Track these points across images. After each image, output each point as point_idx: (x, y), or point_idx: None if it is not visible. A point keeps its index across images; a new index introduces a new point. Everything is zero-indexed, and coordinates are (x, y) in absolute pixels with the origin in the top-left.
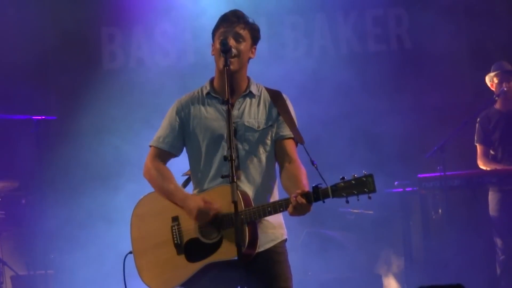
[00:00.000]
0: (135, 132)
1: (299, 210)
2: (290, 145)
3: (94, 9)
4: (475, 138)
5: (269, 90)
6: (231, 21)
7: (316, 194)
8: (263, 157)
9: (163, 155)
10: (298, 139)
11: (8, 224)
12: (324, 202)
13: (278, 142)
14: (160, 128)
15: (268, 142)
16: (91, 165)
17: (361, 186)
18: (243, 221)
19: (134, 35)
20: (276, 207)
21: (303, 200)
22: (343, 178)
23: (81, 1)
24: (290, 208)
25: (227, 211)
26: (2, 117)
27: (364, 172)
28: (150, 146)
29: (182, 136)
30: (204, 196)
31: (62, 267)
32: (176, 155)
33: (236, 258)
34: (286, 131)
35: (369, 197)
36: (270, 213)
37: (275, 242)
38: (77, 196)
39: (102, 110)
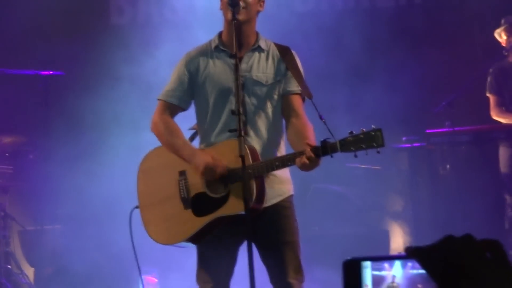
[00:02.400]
0: (144, 86)
1: (308, 165)
2: (297, 100)
3: None
4: (487, 89)
5: (278, 46)
6: None
7: (325, 148)
8: (270, 112)
9: (171, 109)
10: (306, 94)
11: (15, 179)
12: (332, 156)
13: (285, 97)
14: (169, 82)
15: (276, 97)
16: (99, 120)
17: (370, 140)
18: (250, 175)
19: None
20: (285, 161)
21: (312, 154)
22: (351, 132)
23: None
24: (298, 163)
25: (235, 165)
26: (10, 72)
27: (373, 126)
28: (158, 99)
29: (191, 89)
30: (212, 151)
31: (70, 222)
32: (184, 109)
33: (243, 212)
34: (294, 87)
35: (378, 151)
36: (278, 168)
37: (282, 197)
38: (83, 154)
39: (109, 66)
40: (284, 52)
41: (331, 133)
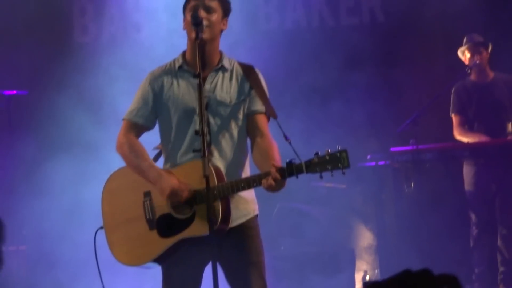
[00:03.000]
0: (107, 106)
1: (273, 186)
2: (261, 120)
3: None
4: (451, 108)
5: (241, 65)
6: None
7: (290, 170)
8: (235, 132)
9: (136, 128)
10: (271, 114)
11: None
12: (297, 177)
13: (250, 117)
14: (133, 101)
15: (240, 116)
16: (61, 140)
17: (335, 161)
18: (216, 196)
19: (106, 9)
20: (250, 183)
21: (278, 176)
22: (317, 153)
23: None
24: (264, 184)
25: (200, 186)
26: None
27: (338, 147)
28: (123, 119)
29: (155, 109)
30: (177, 172)
31: (35, 243)
32: (149, 128)
33: (208, 233)
34: (258, 106)
35: (343, 173)
36: (243, 189)
37: (247, 217)
38: (47, 172)
39: (73, 85)
40: (248, 71)
41: (296, 154)
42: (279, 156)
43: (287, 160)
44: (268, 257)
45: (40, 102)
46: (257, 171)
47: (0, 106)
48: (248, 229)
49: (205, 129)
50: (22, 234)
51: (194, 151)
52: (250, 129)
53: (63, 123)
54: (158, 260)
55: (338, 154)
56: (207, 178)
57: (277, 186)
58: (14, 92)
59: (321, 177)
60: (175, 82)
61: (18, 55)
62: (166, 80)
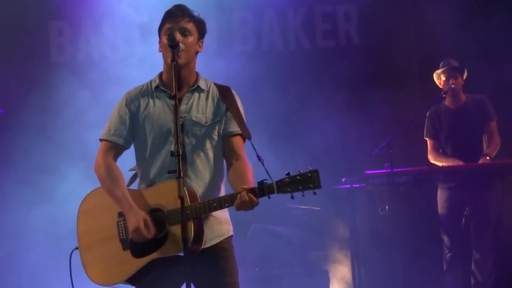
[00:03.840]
0: (82, 127)
1: (245, 205)
2: (237, 141)
3: (42, 1)
4: (425, 133)
5: (218, 86)
6: (176, 15)
7: (261, 190)
8: (210, 152)
9: (114, 148)
10: (245, 135)
11: None
12: (269, 197)
13: (226, 138)
14: (109, 121)
15: (216, 137)
16: (36, 160)
17: (306, 181)
18: (188, 216)
19: (82, 30)
20: (222, 203)
21: (250, 196)
22: (288, 173)
23: None
24: (236, 204)
25: (173, 206)
26: None
27: (310, 167)
28: (101, 140)
29: (132, 128)
30: (151, 192)
31: (8, 262)
32: (127, 147)
33: (180, 254)
34: (234, 127)
35: (314, 193)
36: (215, 209)
37: (221, 238)
38: (21, 191)
39: (49, 104)
40: (224, 92)
41: (268, 174)
42: (253, 178)
43: (259, 181)
44: (242, 278)
45: (16, 121)
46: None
47: None
48: (222, 250)
49: (180, 150)
50: None
51: (169, 172)
52: (226, 151)
53: (39, 143)
54: (132, 280)
55: (309, 174)
56: (182, 199)
57: (248, 205)
58: None
59: (292, 197)
60: (151, 102)
61: None
62: (143, 100)
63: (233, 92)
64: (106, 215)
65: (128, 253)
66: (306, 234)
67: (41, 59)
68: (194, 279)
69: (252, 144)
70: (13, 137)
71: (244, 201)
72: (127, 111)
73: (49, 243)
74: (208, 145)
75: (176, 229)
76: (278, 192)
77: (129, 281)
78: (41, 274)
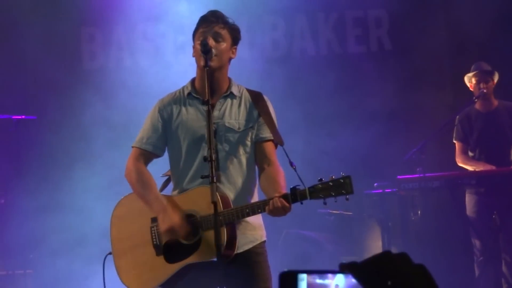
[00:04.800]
0: (114, 133)
1: (277, 211)
2: (269, 147)
3: (73, 8)
4: (454, 135)
5: (250, 91)
6: (210, 21)
7: (294, 196)
8: (243, 158)
9: (146, 156)
10: (278, 141)
11: None
12: (302, 203)
13: (258, 144)
14: (142, 129)
15: (248, 143)
16: (70, 165)
17: (338, 187)
18: (221, 222)
19: (114, 35)
20: (254, 209)
21: (283, 202)
22: (321, 179)
23: (60, 0)
24: (268, 210)
25: (206, 212)
26: None
27: (342, 173)
28: (133, 147)
29: (165, 136)
30: (183, 198)
31: (42, 267)
32: (159, 155)
33: (214, 259)
34: (266, 133)
35: (347, 199)
36: (248, 215)
37: (254, 244)
38: (56, 196)
39: (81, 110)
40: (257, 98)
41: (301, 180)
42: (285, 183)
43: (291, 187)
44: (275, 283)
45: (48, 126)
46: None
47: (9, 130)
48: (255, 255)
49: (213, 156)
50: (29, 258)
51: (202, 177)
52: (258, 157)
53: (71, 148)
54: (165, 285)
55: (342, 180)
56: (215, 204)
57: (281, 211)
58: (23, 116)
59: (324, 203)
60: (183, 109)
61: (27, 81)
62: (175, 108)
63: (265, 97)
64: (139, 221)
65: (161, 259)
66: (338, 239)
67: (73, 66)
68: (226, 284)
69: (284, 150)
70: (47, 143)
71: (277, 207)
72: (160, 119)
73: (80, 248)
74: (241, 151)
75: (209, 235)
76: (310, 198)
77: (163, 286)
78: (75, 278)
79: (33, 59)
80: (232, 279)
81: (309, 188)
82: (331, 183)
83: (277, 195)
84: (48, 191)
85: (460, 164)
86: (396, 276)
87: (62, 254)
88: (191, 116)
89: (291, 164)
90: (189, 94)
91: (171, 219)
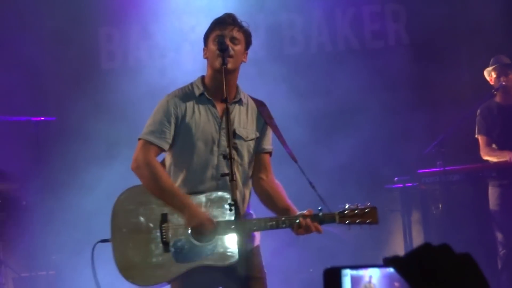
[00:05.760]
0: (134, 132)
1: (307, 231)
2: (268, 158)
3: (91, 9)
4: (477, 130)
5: (254, 100)
6: (227, 23)
7: (323, 220)
8: (247, 167)
9: (155, 150)
10: (291, 157)
11: (9, 226)
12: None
13: (258, 154)
14: (153, 122)
15: (252, 153)
16: (91, 166)
17: (365, 217)
18: (245, 228)
19: (132, 35)
20: (279, 224)
21: (316, 225)
22: (347, 206)
23: (77, 1)
24: (296, 229)
25: (221, 217)
26: (1, 118)
27: (369, 204)
28: (141, 139)
29: (174, 132)
30: (199, 203)
31: (64, 268)
32: (165, 150)
33: (230, 263)
34: (267, 145)
35: (370, 228)
36: (271, 227)
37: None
38: (77, 197)
39: (100, 110)
40: (261, 107)
41: (322, 201)
42: (286, 195)
43: (319, 208)
44: (298, 279)
45: (68, 127)
46: (259, 207)
47: (30, 131)
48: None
49: (231, 153)
50: (51, 259)
51: (222, 175)
52: (256, 166)
53: (91, 149)
54: (171, 281)
55: (368, 210)
56: (235, 202)
57: (310, 231)
58: (42, 118)
59: (349, 228)
60: (196, 110)
61: (45, 82)
62: (188, 106)
63: (267, 107)
64: (147, 215)
65: (169, 256)
66: (359, 234)
67: (92, 66)
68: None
69: (300, 168)
70: (65, 143)
71: (308, 226)
72: (172, 115)
73: (103, 249)
74: (246, 159)
75: (225, 240)
76: (338, 223)
77: (168, 283)
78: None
79: (51, 61)
80: (230, 278)
81: (339, 213)
82: (357, 212)
83: (306, 213)
84: (70, 192)
85: (485, 157)
86: (438, 268)
87: (84, 255)
88: (203, 118)
89: (310, 184)
90: (201, 94)
91: (200, 216)
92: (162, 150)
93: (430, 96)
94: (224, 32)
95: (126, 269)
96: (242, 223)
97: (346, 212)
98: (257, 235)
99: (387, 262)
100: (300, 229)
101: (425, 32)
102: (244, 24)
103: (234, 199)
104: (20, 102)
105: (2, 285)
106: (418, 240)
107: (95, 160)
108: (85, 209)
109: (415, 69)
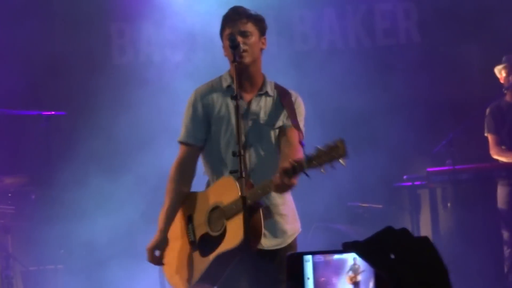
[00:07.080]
0: (144, 128)
1: (281, 188)
2: (291, 132)
3: (103, 4)
4: (486, 129)
5: (279, 89)
6: (234, 19)
7: (293, 168)
8: (275, 158)
9: (189, 149)
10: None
11: (17, 220)
12: (307, 175)
13: (281, 130)
14: (184, 122)
15: (275, 141)
16: (100, 161)
17: (332, 153)
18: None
19: (143, 31)
20: (265, 188)
21: (278, 180)
22: (317, 147)
23: None
24: (273, 187)
25: (229, 201)
26: (12, 113)
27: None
28: (180, 142)
29: (207, 128)
30: (209, 192)
31: (72, 262)
32: (201, 147)
33: (238, 245)
34: (289, 122)
35: (343, 164)
36: (259, 195)
37: (292, 238)
38: (86, 191)
39: (111, 105)
40: (286, 97)
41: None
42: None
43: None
44: None
45: (78, 122)
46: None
47: (40, 126)
48: (289, 249)
49: (243, 151)
50: (59, 253)
51: (231, 172)
52: (280, 142)
53: (101, 144)
54: (206, 280)
55: (334, 144)
56: (244, 198)
57: (285, 187)
58: (52, 112)
59: (322, 171)
60: (224, 102)
61: (56, 77)
62: (216, 98)
63: (294, 97)
64: (180, 220)
65: (197, 254)
66: (368, 232)
67: (103, 61)
68: (254, 275)
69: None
70: (76, 138)
71: (277, 184)
72: (202, 111)
73: (111, 243)
74: (273, 150)
75: (233, 222)
76: (308, 167)
77: (204, 281)
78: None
79: (62, 55)
80: (258, 271)
81: (305, 156)
82: (324, 149)
83: (278, 170)
84: (79, 186)
85: (495, 157)
86: (398, 249)
87: (93, 249)
88: (231, 110)
89: (300, 142)
90: (228, 86)
91: (155, 242)
92: (198, 147)
93: (440, 94)
94: (233, 29)
95: (171, 277)
96: (238, 200)
97: (312, 154)
98: (294, 221)
99: (346, 247)
100: (274, 186)
101: (436, 30)
102: (252, 12)
103: (243, 195)
104: (30, 96)
105: (10, 278)
106: None
107: (105, 155)
108: (94, 204)
109: (425, 67)
